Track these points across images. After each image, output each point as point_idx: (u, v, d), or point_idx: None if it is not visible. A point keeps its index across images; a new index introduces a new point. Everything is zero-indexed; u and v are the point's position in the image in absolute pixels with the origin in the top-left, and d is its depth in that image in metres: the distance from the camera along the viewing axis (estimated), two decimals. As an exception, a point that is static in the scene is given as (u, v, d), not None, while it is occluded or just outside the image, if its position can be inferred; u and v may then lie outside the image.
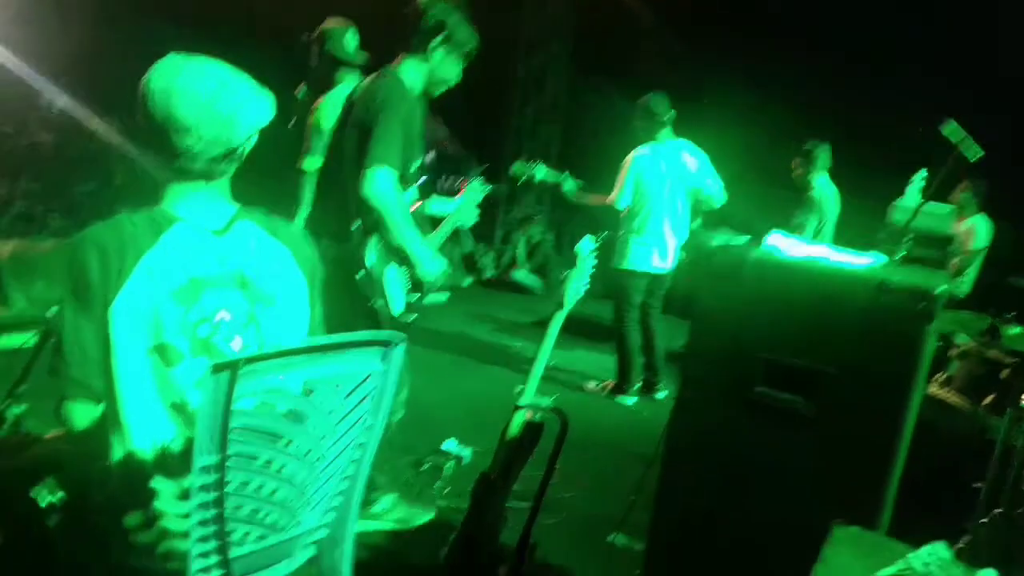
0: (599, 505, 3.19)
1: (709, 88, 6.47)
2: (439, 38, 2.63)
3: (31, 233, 7.37)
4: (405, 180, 2.62)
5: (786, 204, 5.08)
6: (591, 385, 4.93)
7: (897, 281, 1.96)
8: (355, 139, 2.56)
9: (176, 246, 1.54)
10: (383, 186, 2.46)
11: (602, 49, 8.09)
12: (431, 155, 13.36)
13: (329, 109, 3.39)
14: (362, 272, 2.57)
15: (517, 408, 2.34)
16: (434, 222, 2.94)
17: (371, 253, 2.59)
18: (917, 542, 1.61)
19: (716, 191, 4.69)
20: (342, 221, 2.62)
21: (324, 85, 3.59)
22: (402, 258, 2.65)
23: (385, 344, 1.58)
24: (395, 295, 2.67)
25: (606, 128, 6.58)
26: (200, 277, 1.55)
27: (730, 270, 2.07)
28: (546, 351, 2.38)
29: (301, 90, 3.84)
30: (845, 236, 4.48)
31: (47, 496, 1.52)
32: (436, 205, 2.97)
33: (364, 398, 1.59)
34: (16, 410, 2.17)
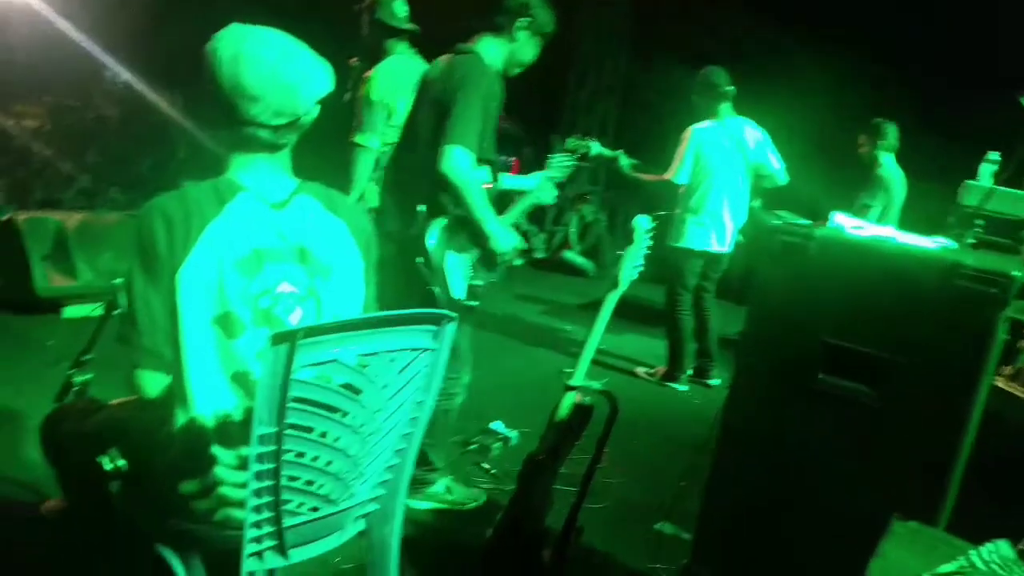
0: (647, 492, 3.16)
1: (772, 65, 6.29)
2: (523, 20, 2.62)
3: (96, 207, 7.60)
4: (485, 160, 2.60)
5: (850, 186, 4.92)
6: (642, 370, 4.88)
7: (969, 264, 1.88)
8: (432, 117, 2.55)
9: (240, 216, 1.55)
10: (460, 164, 2.44)
11: (661, 24, 7.93)
12: None
13: (379, 81, 3.39)
14: (421, 258, 2.56)
15: (567, 390, 2.33)
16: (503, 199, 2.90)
17: (432, 239, 2.58)
18: (979, 539, 1.56)
19: (778, 170, 4.57)
20: (409, 204, 2.62)
21: (375, 55, 3.58)
22: (474, 237, 2.63)
23: (437, 321, 1.59)
24: (455, 281, 2.65)
25: (664, 105, 6.46)
26: (263, 248, 1.57)
27: (793, 249, 2.00)
28: (598, 332, 2.35)
29: (355, 63, 3.85)
30: (910, 220, 4.33)
31: (110, 463, 1.56)
32: (509, 180, 2.93)
33: (416, 374, 1.59)
34: (82, 378, 2.24)
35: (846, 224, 2.15)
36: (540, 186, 2.95)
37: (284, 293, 1.60)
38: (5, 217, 4.06)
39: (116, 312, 2.25)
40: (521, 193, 2.93)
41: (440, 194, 2.55)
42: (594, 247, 8.08)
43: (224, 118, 1.56)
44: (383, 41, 3.58)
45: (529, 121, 8.74)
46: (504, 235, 2.65)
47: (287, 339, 1.34)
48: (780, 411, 2.14)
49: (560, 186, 3.06)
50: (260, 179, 1.61)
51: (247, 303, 1.54)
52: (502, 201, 2.87)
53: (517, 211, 2.87)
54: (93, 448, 1.58)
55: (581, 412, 2.32)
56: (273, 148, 1.61)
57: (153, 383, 1.54)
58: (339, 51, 3.54)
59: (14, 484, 2.54)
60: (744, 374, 2.26)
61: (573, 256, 7.94)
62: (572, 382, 2.32)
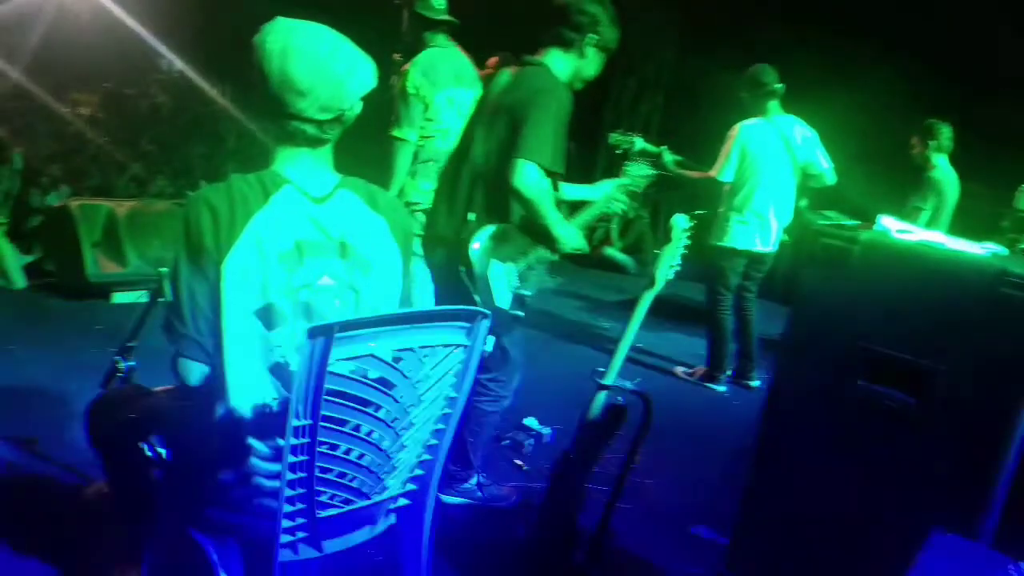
0: (683, 494, 3.13)
1: (821, 63, 6.17)
2: (592, 36, 2.63)
3: (146, 194, 7.75)
4: (555, 173, 2.59)
5: (901, 189, 4.81)
6: (681, 370, 4.83)
7: (1017, 272, 1.81)
8: (500, 128, 2.56)
9: (284, 209, 1.58)
10: (533, 178, 2.44)
11: (710, 19, 7.83)
12: None
13: (415, 73, 3.43)
14: (463, 268, 2.57)
15: (599, 389, 2.32)
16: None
17: (476, 247, 2.58)
18: (1022, 555, 1.51)
19: (827, 170, 4.48)
20: (460, 211, 2.65)
21: (414, 49, 3.60)
22: (532, 245, 2.65)
23: (471, 319, 1.59)
24: (500, 291, 2.65)
25: (710, 102, 6.37)
26: (304, 241, 1.59)
27: (836, 252, 1.95)
28: (632, 331, 2.33)
29: (398, 58, 3.86)
30: (962, 225, 4.21)
31: (151, 450, 1.60)
32: (572, 191, 2.91)
33: (449, 370, 1.60)
34: (127, 364, 2.29)
35: (893, 227, 2.10)
36: (609, 195, 2.90)
37: (324, 286, 1.62)
38: (59, 204, 4.17)
39: (161, 300, 2.31)
40: (585, 204, 2.89)
41: (492, 203, 2.57)
42: (636, 243, 8.00)
43: (271, 111, 1.59)
44: (422, 33, 3.60)
45: (573, 117, 8.61)
46: (572, 238, 2.64)
47: (325, 333, 1.36)
48: (819, 417, 2.10)
49: (635, 195, 3.02)
50: (304, 173, 1.63)
51: (288, 295, 1.57)
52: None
53: (581, 220, 2.84)
54: (136, 435, 1.62)
55: (615, 412, 2.31)
56: (318, 143, 1.63)
57: (195, 372, 1.57)
58: (383, 47, 3.59)
59: (59, 466, 2.62)
60: (784, 379, 2.22)
61: (614, 252, 7.87)
62: (605, 381, 2.31)
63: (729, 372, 4.64)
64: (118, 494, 1.82)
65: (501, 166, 2.48)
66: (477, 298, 2.56)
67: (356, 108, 1.64)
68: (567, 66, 2.65)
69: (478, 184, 2.59)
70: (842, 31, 6.36)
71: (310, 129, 1.59)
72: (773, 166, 4.38)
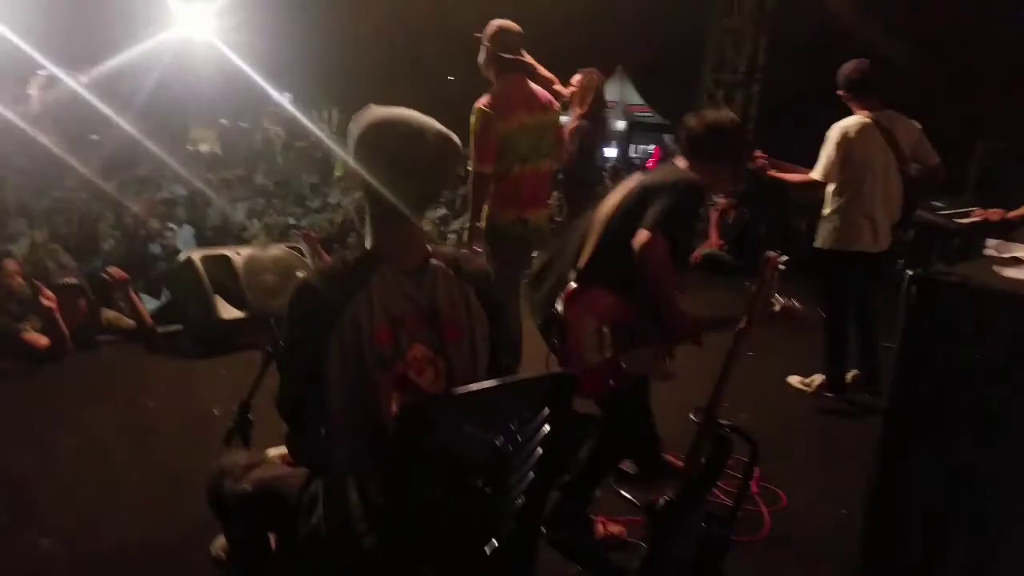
0: (808, 519, 3.01)
1: (925, 54, 5.82)
2: (728, 155, 2.76)
3: (263, 229, 8.14)
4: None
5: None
6: (796, 380, 4.65)
7: None
8: (633, 200, 2.66)
9: (380, 287, 1.66)
10: (657, 250, 2.52)
11: (803, 10, 7.54)
12: (623, 122, 13.40)
13: (487, 109, 3.60)
14: (544, 319, 2.65)
15: (698, 427, 2.28)
16: None
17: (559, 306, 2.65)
18: None
19: (935, 164, 4.23)
20: (550, 269, 2.79)
21: (489, 84, 3.77)
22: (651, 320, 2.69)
23: (556, 382, 1.63)
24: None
25: (808, 92, 6.14)
26: (397, 318, 1.67)
27: (930, 302, 1.74)
28: (729, 372, 2.28)
29: None
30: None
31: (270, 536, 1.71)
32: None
33: (540, 432, 1.63)
34: (244, 422, 2.46)
35: (1000, 254, 1.94)
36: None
37: (417, 357, 1.69)
38: (184, 257, 4.48)
39: (272, 357, 2.46)
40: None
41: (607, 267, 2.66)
42: (738, 238, 7.73)
43: (365, 196, 1.71)
44: (494, 72, 3.75)
45: (667, 110, 8.61)
46: (681, 330, 2.65)
47: (421, 404, 1.42)
48: (948, 433, 1.91)
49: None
50: (398, 248, 1.72)
51: (383, 366, 1.64)
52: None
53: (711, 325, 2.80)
54: (249, 508, 1.73)
55: (718, 448, 2.27)
56: (412, 218, 1.71)
57: (303, 453, 1.68)
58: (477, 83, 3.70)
59: (190, 520, 2.72)
60: (904, 394, 2.01)
61: (715, 252, 7.65)
62: (702, 419, 2.27)
63: (849, 380, 4.43)
64: (236, 555, 1.95)
65: (626, 232, 2.57)
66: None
67: (446, 182, 1.72)
68: (706, 174, 2.73)
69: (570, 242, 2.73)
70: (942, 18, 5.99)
71: (403, 210, 1.68)
72: (877, 164, 4.17)
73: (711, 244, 7.79)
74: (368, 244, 1.75)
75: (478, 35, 3.83)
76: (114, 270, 4.43)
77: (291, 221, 8.95)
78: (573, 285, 2.65)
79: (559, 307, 2.62)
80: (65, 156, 9.60)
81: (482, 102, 3.66)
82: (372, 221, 1.74)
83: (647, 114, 22.06)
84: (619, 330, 2.65)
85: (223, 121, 19.16)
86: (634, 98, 22.22)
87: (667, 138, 21.86)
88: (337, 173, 12.02)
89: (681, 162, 2.78)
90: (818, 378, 4.54)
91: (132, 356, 4.26)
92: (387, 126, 1.66)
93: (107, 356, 4.26)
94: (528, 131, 3.72)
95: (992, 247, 2.01)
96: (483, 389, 1.59)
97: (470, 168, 3.71)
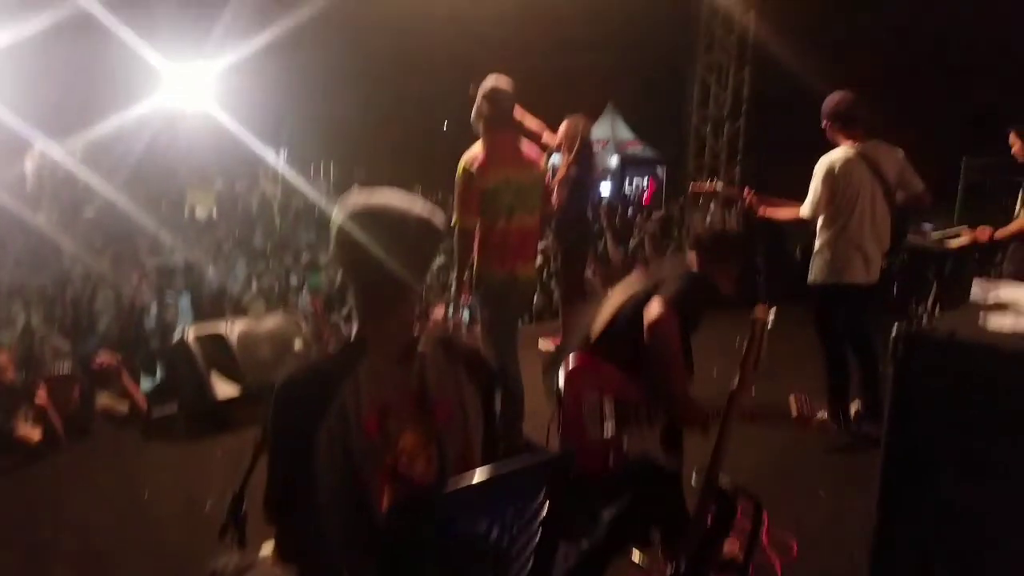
0: (819, 562, 2.95)
1: (908, 85, 5.89)
2: (733, 258, 2.97)
3: (261, 290, 8.13)
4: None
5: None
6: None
7: None
8: (649, 285, 2.81)
9: (366, 379, 1.62)
10: (666, 322, 2.62)
11: (785, 43, 7.64)
12: (615, 158, 13.63)
13: (472, 165, 3.71)
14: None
15: (704, 490, 2.24)
16: None
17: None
18: None
19: (921, 191, 4.23)
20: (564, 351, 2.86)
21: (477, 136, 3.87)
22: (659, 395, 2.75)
23: (556, 465, 1.60)
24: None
25: (794, 123, 6.19)
26: (385, 406, 1.63)
27: (916, 359, 1.72)
28: (726, 433, 2.24)
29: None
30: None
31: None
32: None
33: (538, 514, 1.59)
34: (237, 516, 2.40)
35: (985, 297, 1.91)
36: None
37: (408, 446, 1.65)
38: (178, 337, 4.47)
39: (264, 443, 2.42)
40: None
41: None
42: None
43: (352, 280, 1.71)
44: (486, 126, 3.83)
45: (658, 144, 8.71)
46: (687, 414, 2.69)
47: (413, 500, 1.38)
48: (934, 490, 1.87)
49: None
50: (386, 335, 1.68)
51: (373, 461, 1.60)
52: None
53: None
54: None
55: (721, 509, 2.23)
56: (397, 303, 1.69)
57: (288, 545, 1.63)
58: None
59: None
60: (891, 460, 1.99)
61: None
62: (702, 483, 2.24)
63: (852, 412, 4.38)
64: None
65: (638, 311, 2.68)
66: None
67: (434, 261, 1.70)
68: (713, 272, 2.91)
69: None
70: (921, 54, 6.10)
71: (389, 292, 1.66)
72: (865, 195, 4.17)
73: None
74: (354, 332, 1.72)
75: (472, 92, 3.93)
76: (104, 357, 4.41)
77: (292, 282, 8.95)
78: (577, 358, 2.69)
79: (561, 379, 2.63)
80: (60, 233, 9.70)
81: (467, 157, 3.77)
82: (358, 308, 1.73)
83: (639, 149, 22.28)
84: (623, 408, 2.65)
85: (219, 184, 19.39)
86: (625, 134, 22.45)
87: (660, 170, 22.10)
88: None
89: (692, 259, 2.93)
90: (820, 414, 4.48)
91: (126, 443, 4.22)
92: (369, 213, 1.65)
93: (101, 444, 4.22)
94: (513, 186, 3.80)
95: (977, 288, 1.98)
96: (476, 483, 1.55)
97: (453, 223, 3.79)
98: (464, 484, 1.50)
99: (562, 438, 2.66)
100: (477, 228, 3.82)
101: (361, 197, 1.68)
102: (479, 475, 1.55)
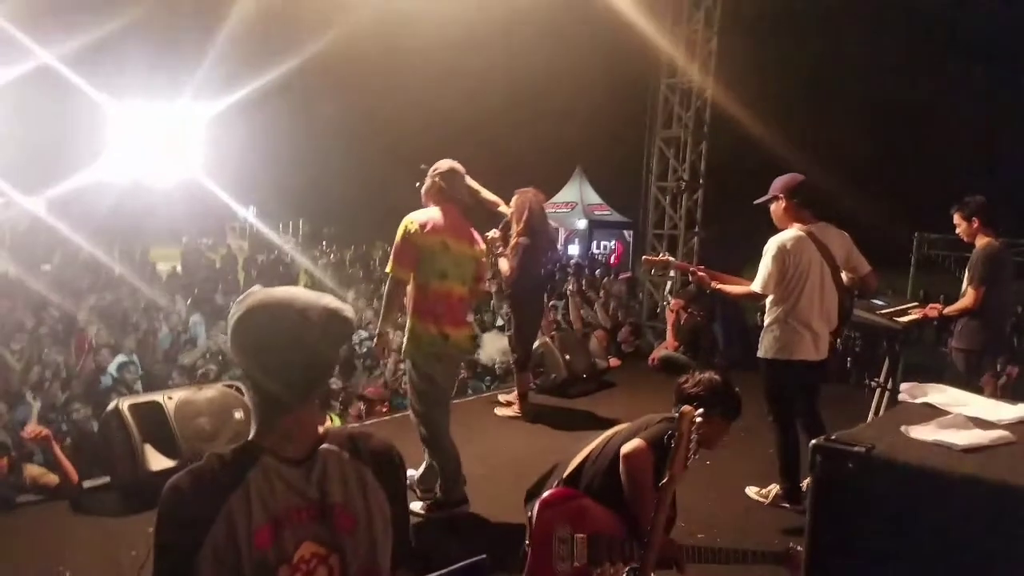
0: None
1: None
2: (718, 409, 2.93)
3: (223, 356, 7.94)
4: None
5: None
6: (752, 490, 4.55)
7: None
8: (635, 426, 2.89)
9: (258, 485, 1.52)
10: (641, 459, 2.69)
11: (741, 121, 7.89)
12: (583, 222, 14.04)
13: (415, 224, 3.95)
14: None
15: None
16: None
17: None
18: None
19: (867, 272, 4.29)
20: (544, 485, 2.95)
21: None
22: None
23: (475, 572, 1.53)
24: None
25: (754, 195, 6.35)
26: (280, 515, 1.53)
27: (833, 480, 1.60)
28: (655, 533, 2.17)
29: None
30: None
31: None
32: None
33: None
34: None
35: (913, 399, 1.88)
36: None
37: (305, 556, 1.55)
38: (112, 407, 4.32)
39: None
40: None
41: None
42: (693, 340, 7.72)
43: (246, 384, 1.62)
44: (436, 199, 4.11)
45: (626, 210, 8.95)
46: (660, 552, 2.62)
47: None
48: None
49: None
50: (282, 437, 1.58)
51: (265, 574, 1.50)
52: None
53: None
54: None
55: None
56: (297, 404, 1.59)
57: None
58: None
59: None
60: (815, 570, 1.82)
61: (672, 355, 7.61)
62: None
63: (805, 488, 4.34)
64: None
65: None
66: None
67: (338, 360, 1.62)
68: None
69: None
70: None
71: (287, 395, 1.57)
72: (814, 275, 4.22)
73: (668, 346, 7.77)
74: (251, 434, 1.63)
75: (424, 169, 4.20)
76: (31, 429, 4.24)
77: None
78: (554, 491, 2.72)
79: (533, 510, 2.62)
80: (15, 289, 9.48)
81: (412, 215, 4.00)
82: (255, 409, 1.61)
83: (607, 213, 22.66)
84: (596, 542, 2.62)
85: (184, 240, 19.25)
86: (593, 198, 22.85)
87: (627, 234, 22.45)
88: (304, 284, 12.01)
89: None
90: (774, 488, 4.44)
91: (54, 517, 4.00)
92: (267, 312, 1.55)
93: (27, 519, 4.00)
94: (452, 253, 4.01)
95: (906, 390, 1.95)
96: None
97: (388, 270, 4.04)
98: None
99: (529, 568, 2.64)
100: (411, 285, 4.01)
101: (261, 293, 1.61)
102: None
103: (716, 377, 3.04)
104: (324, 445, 1.61)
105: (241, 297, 1.60)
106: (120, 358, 6.96)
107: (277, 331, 1.53)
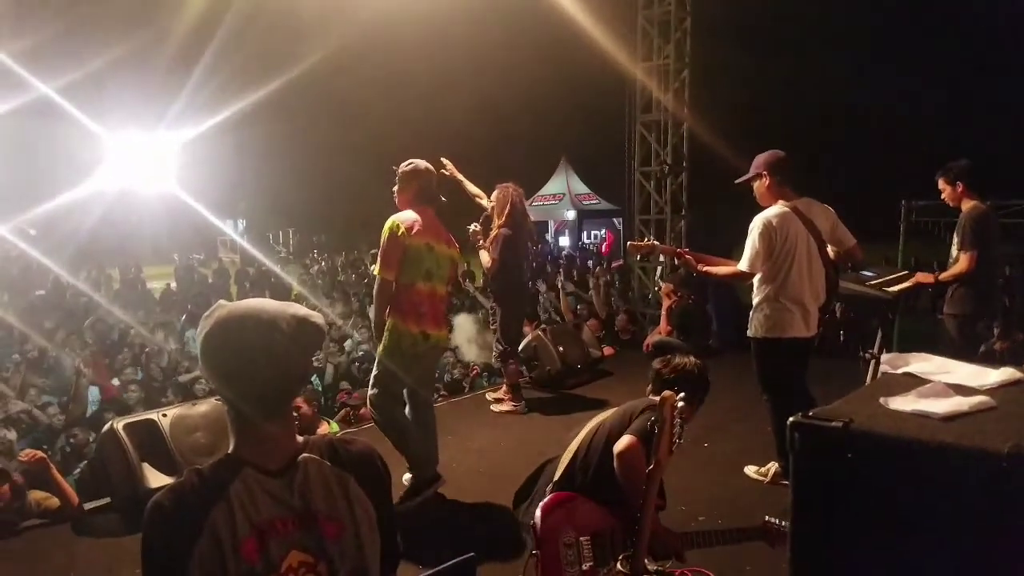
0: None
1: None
2: (694, 392, 2.91)
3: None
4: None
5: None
6: (751, 469, 4.56)
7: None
8: (617, 417, 2.94)
9: (240, 497, 1.52)
10: (634, 455, 2.69)
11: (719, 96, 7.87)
12: (572, 212, 14.08)
13: (398, 226, 4.03)
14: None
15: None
16: None
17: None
18: None
19: (853, 245, 4.29)
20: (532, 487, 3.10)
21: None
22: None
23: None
24: None
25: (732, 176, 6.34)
26: (265, 526, 1.53)
27: (814, 453, 1.59)
28: (644, 521, 2.17)
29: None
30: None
31: None
32: None
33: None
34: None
35: (893, 370, 1.87)
36: None
37: (294, 565, 1.55)
38: (107, 428, 4.31)
39: None
40: None
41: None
42: (684, 324, 7.72)
43: (223, 395, 1.59)
44: (412, 200, 4.21)
45: (615, 197, 8.96)
46: (661, 544, 2.70)
47: None
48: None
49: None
50: (262, 449, 1.58)
51: None
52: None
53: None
54: None
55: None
56: (272, 415, 1.59)
57: None
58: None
59: None
60: (799, 547, 1.75)
61: (664, 339, 7.61)
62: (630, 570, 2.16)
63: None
64: None
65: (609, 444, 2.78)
66: None
67: (311, 369, 1.62)
68: None
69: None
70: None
71: (260, 408, 1.56)
72: (801, 251, 4.21)
73: (661, 331, 7.76)
74: (230, 448, 1.63)
75: (395, 167, 4.28)
76: (27, 454, 4.23)
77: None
78: (554, 496, 2.73)
79: (537, 518, 2.62)
80: (8, 314, 9.44)
81: (397, 217, 4.08)
82: (231, 423, 1.60)
83: (595, 202, 22.63)
84: (599, 542, 2.64)
85: (176, 256, 19.20)
86: (581, 188, 22.82)
87: (616, 222, 22.41)
88: (293, 296, 12.00)
89: (654, 397, 2.93)
90: (773, 467, 4.45)
91: (57, 541, 3.99)
92: (236, 324, 1.54)
93: (30, 544, 3.99)
94: (434, 254, 4.12)
95: (886, 362, 1.95)
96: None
97: (375, 273, 4.16)
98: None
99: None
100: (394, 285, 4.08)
101: (228, 306, 1.59)
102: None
103: (687, 360, 3.07)
104: (304, 454, 1.61)
105: (208, 312, 1.58)
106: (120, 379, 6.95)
107: (247, 343, 1.53)
